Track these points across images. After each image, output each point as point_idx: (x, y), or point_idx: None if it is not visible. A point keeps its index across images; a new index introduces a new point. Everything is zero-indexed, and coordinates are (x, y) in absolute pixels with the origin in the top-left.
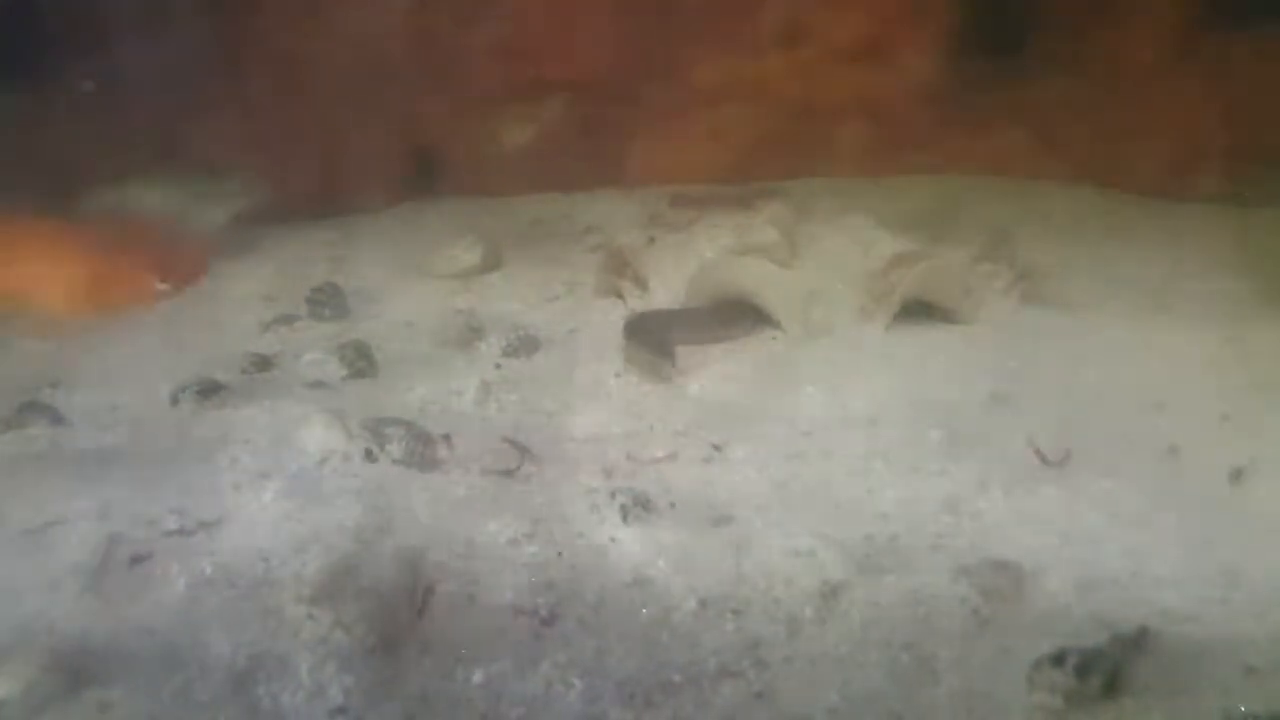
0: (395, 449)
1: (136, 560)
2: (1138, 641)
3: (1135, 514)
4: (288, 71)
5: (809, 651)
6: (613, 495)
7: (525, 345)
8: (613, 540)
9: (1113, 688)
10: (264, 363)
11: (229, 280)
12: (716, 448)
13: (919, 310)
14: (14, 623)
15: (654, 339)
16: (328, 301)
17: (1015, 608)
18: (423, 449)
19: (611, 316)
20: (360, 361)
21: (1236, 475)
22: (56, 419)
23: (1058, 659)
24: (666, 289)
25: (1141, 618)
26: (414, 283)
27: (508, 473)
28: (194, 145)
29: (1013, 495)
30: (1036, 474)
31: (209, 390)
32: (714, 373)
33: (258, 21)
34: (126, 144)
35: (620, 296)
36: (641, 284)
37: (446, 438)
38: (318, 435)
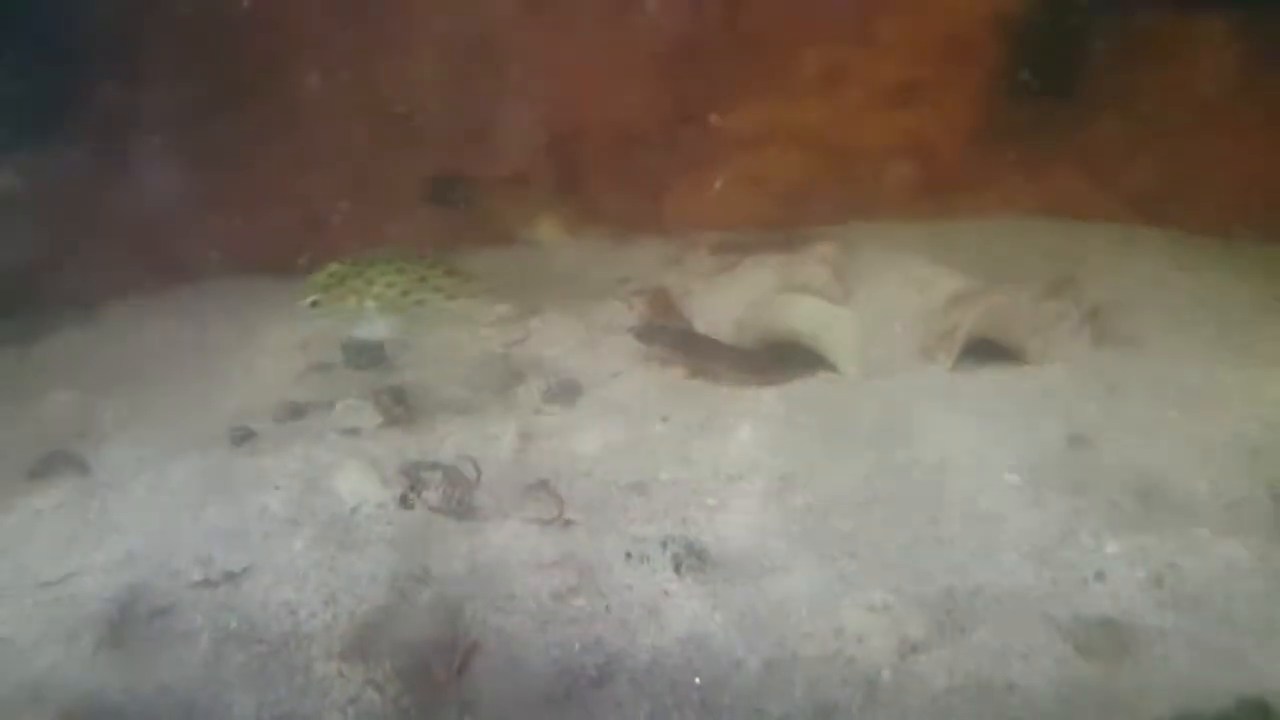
0: (432, 495)
1: (157, 613)
2: (1266, 710)
3: (1243, 566)
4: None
5: (887, 719)
6: (664, 545)
7: (566, 390)
8: (665, 593)
9: None
10: (297, 410)
11: (264, 329)
12: (773, 495)
13: (984, 350)
14: (26, 678)
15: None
16: (363, 348)
17: (1118, 670)
18: (460, 496)
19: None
20: (396, 408)
21: None
22: (84, 469)
23: None
24: (712, 331)
25: (1259, 681)
26: (451, 328)
27: (548, 521)
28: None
29: (1104, 544)
30: (1128, 521)
31: (240, 438)
32: (766, 416)
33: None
34: None
35: None
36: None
37: (484, 483)
38: (351, 482)
